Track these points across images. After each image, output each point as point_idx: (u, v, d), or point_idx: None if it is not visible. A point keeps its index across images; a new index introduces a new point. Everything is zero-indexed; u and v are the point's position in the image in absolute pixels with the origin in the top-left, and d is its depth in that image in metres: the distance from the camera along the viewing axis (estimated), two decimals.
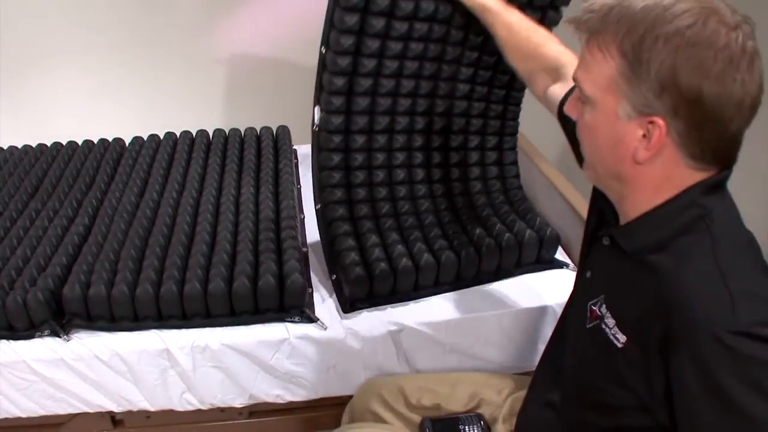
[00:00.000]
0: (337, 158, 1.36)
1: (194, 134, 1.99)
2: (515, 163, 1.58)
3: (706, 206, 0.78)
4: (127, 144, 1.96)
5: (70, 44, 2.14)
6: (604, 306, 0.85)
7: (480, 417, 1.13)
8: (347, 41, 1.22)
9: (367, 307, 1.32)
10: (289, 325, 1.28)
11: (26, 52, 2.14)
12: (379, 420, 1.20)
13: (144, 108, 2.24)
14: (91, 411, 1.30)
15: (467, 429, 1.11)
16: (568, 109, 0.87)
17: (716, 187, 0.79)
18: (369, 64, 1.26)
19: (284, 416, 1.39)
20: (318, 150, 1.34)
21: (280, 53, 2.39)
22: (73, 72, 2.18)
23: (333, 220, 1.40)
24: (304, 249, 1.48)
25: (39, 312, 1.24)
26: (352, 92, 1.30)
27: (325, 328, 1.27)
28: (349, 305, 1.32)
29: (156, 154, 1.86)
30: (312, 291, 1.35)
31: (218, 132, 1.99)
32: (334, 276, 1.37)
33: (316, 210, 1.39)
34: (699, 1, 0.74)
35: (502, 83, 1.44)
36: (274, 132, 2.01)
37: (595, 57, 0.78)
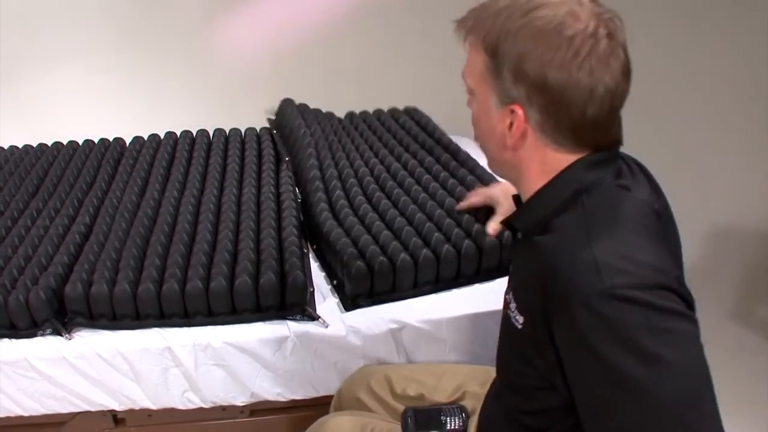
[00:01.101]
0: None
1: (195, 134, 1.99)
2: None
3: (584, 181, 0.82)
4: (127, 144, 1.97)
5: (71, 44, 2.15)
6: (511, 293, 0.90)
7: (462, 408, 1.14)
8: None
9: (368, 305, 1.32)
10: (290, 323, 1.28)
11: (27, 53, 2.14)
12: (365, 408, 1.22)
13: (144, 108, 2.25)
14: (92, 409, 1.30)
15: (449, 420, 1.11)
16: (468, 103, 0.93)
17: (597, 164, 0.83)
18: None
19: (285, 414, 1.39)
20: None
21: (279, 53, 2.40)
22: (74, 72, 2.19)
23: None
24: (305, 249, 1.48)
25: (41, 310, 1.24)
26: None
27: (327, 326, 1.27)
28: (350, 302, 1.32)
29: (157, 154, 1.86)
30: (313, 289, 1.36)
31: (218, 132, 2.00)
32: (335, 281, 1.38)
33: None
34: None
35: None
36: (275, 132, 2.01)
37: (470, 53, 0.86)
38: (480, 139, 0.92)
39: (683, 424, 0.71)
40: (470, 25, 0.85)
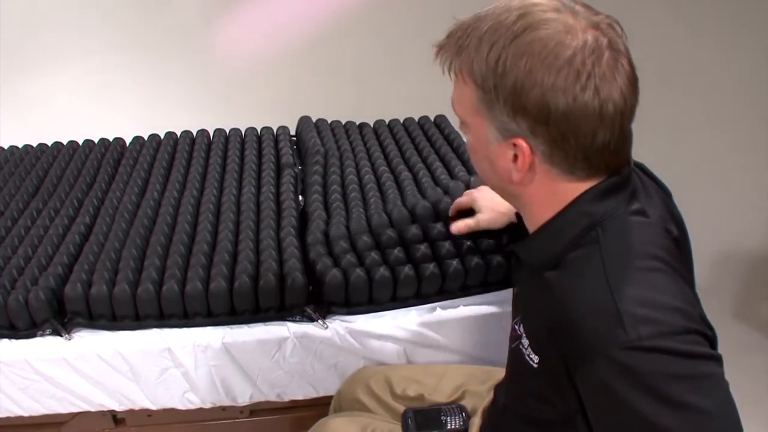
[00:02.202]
0: None
1: (195, 134, 1.99)
2: None
3: (596, 214, 0.76)
4: (127, 144, 1.96)
5: (71, 44, 2.15)
6: (521, 325, 0.85)
7: (462, 408, 1.13)
8: None
9: (343, 314, 1.28)
10: (290, 324, 1.28)
11: (27, 53, 2.15)
12: (364, 409, 1.21)
13: (145, 108, 2.25)
14: (92, 410, 1.30)
15: (449, 420, 1.11)
16: (461, 130, 0.87)
17: (607, 192, 0.77)
18: None
19: (285, 415, 1.39)
20: None
21: (279, 53, 2.40)
22: (74, 72, 2.19)
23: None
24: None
25: (40, 311, 1.24)
26: None
27: (326, 328, 1.27)
28: (325, 309, 1.28)
29: (157, 154, 1.86)
30: (313, 290, 1.35)
31: (219, 132, 1.99)
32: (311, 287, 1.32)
33: None
34: (544, 11, 0.72)
35: None
36: (275, 132, 2.01)
37: (458, 82, 0.79)
38: (481, 172, 0.86)
39: None
40: (453, 53, 0.78)
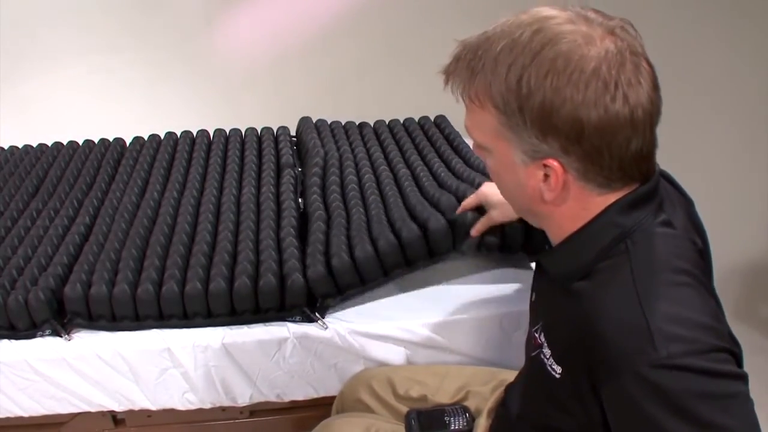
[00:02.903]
0: None
1: (195, 134, 1.99)
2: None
3: (626, 225, 0.74)
4: (127, 144, 1.96)
5: (71, 44, 2.15)
6: (543, 334, 0.83)
7: (465, 409, 1.13)
8: None
9: (338, 302, 1.29)
10: (290, 324, 1.28)
11: (27, 53, 2.15)
12: (367, 410, 1.20)
13: (145, 108, 2.25)
14: (92, 410, 1.30)
15: (452, 420, 1.11)
16: (476, 153, 0.85)
17: (636, 203, 0.75)
18: None
19: (285, 415, 1.39)
20: None
21: (280, 53, 2.40)
22: (74, 72, 2.19)
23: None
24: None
25: (40, 311, 1.24)
26: None
27: (326, 328, 1.27)
28: (321, 305, 1.28)
29: (157, 154, 1.86)
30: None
31: (219, 132, 1.99)
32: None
33: None
34: (559, 24, 0.70)
35: None
36: (275, 132, 2.01)
37: (474, 108, 0.75)
38: (507, 194, 0.83)
39: None
40: (465, 78, 0.74)
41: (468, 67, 0.74)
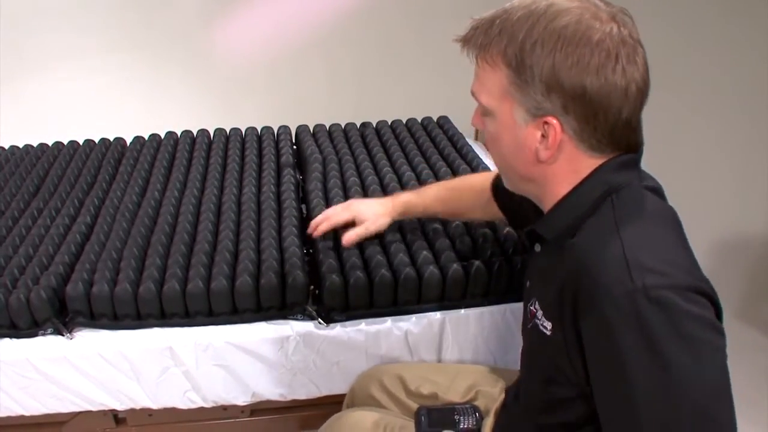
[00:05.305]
0: None
1: (195, 134, 1.99)
2: None
3: (613, 182, 0.81)
4: (128, 143, 1.97)
5: (71, 44, 2.15)
6: (536, 303, 0.88)
7: (475, 408, 1.14)
8: None
9: (343, 320, 1.27)
10: (292, 322, 1.28)
11: (28, 53, 2.15)
12: (378, 405, 1.22)
13: (145, 108, 2.25)
14: (93, 409, 1.30)
15: (462, 419, 1.11)
16: (474, 122, 0.91)
17: (624, 166, 0.82)
18: None
19: (286, 414, 1.39)
20: None
21: (279, 53, 2.40)
22: (74, 72, 2.19)
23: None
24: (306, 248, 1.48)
25: (42, 310, 1.24)
26: None
27: (328, 325, 1.27)
28: (326, 314, 1.27)
29: (157, 154, 1.86)
30: (314, 288, 1.35)
31: (219, 131, 2.00)
32: (317, 290, 1.32)
33: None
34: (572, 2, 0.79)
35: None
36: (275, 132, 2.01)
37: (485, 70, 0.83)
38: (503, 158, 0.89)
39: None
40: (482, 42, 0.82)
41: (486, 33, 0.82)
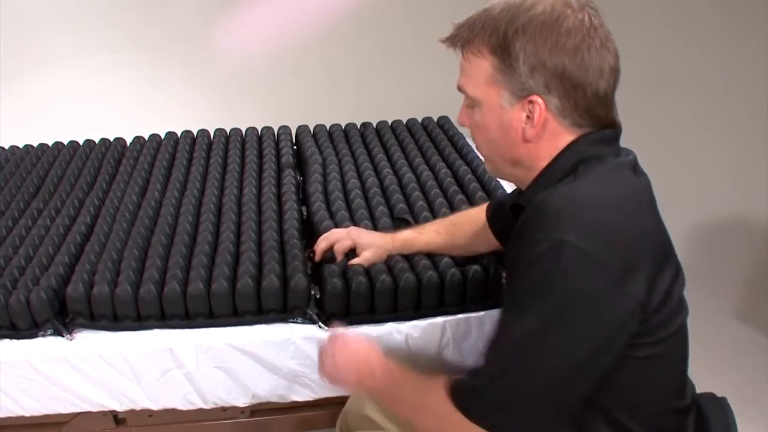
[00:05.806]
0: None
1: (195, 134, 1.99)
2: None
3: (586, 153, 0.88)
4: (128, 144, 1.97)
5: (71, 44, 2.15)
6: (505, 272, 0.99)
7: None
8: None
9: (344, 325, 1.25)
10: (293, 325, 1.28)
11: (28, 53, 2.15)
12: (375, 426, 1.18)
13: (145, 108, 2.25)
14: (93, 410, 1.30)
15: None
16: (460, 119, 0.97)
17: (601, 141, 0.89)
18: None
19: (285, 415, 1.39)
20: None
21: (279, 53, 2.41)
22: (74, 72, 2.19)
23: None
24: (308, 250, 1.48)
25: (42, 311, 1.24)
26: None
27: (328, 329, 1.27)
28: (326, 318, 1.27)
29: (157, 154, 1.86)
30: (315, 291, 1.35)
31: (219, 132, 1.99)
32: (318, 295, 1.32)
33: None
34: None
35: None
36: (276, 132, 2.01)
37: (471, 62, 0.90)
38: (491, 144, 0.94)
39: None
40: (467, 36, 0.89)
41: (470, 29, 0.89)
